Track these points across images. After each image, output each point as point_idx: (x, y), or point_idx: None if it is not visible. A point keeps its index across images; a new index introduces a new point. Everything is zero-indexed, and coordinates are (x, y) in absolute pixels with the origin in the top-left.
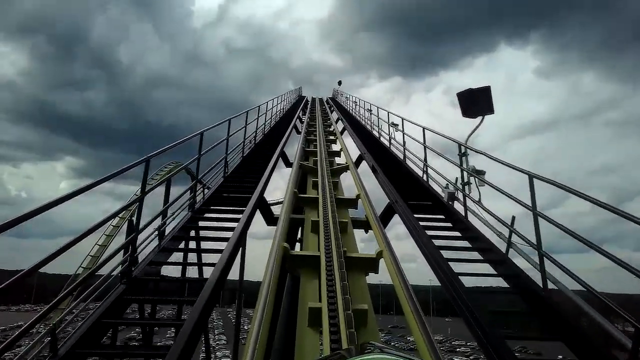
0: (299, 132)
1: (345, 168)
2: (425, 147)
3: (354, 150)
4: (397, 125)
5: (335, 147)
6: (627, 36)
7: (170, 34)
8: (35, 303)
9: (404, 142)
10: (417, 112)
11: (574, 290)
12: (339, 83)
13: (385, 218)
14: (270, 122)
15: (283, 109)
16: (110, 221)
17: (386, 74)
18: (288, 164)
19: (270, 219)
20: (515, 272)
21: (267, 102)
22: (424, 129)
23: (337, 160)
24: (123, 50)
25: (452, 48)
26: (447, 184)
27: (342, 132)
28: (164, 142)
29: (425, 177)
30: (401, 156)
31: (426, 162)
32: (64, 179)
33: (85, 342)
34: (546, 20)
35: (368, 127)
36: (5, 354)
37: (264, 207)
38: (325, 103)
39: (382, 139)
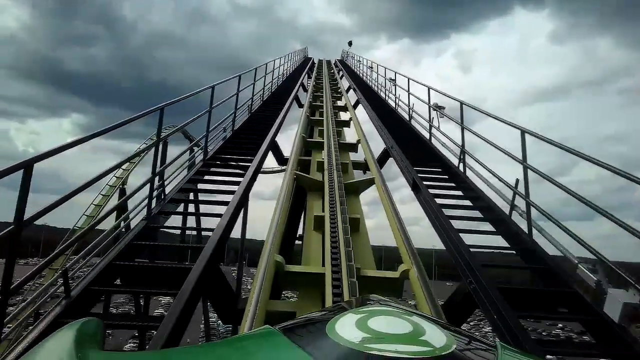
0: (301, 105)
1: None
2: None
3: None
4: (443, 108)
5: (349, 136)
6: None
7: None
8: (44, 256)
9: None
10: (428, 74)
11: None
12: (349, 44)
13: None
14: (262, 94)
15: (284, 73)
16: (108, 181)
17: (395, 35)
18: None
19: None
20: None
21: (266, 64)
22: (428, 88)
23: (352, 157)
24: (127, 6)
25: (465, 10)
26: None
27: (355, 106)
28: (167, 99)
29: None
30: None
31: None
32: (70, 135)
33: (98, 283)
34: None
35: (391, 102)
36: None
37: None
38: (333, 66)
39: (414, 124)
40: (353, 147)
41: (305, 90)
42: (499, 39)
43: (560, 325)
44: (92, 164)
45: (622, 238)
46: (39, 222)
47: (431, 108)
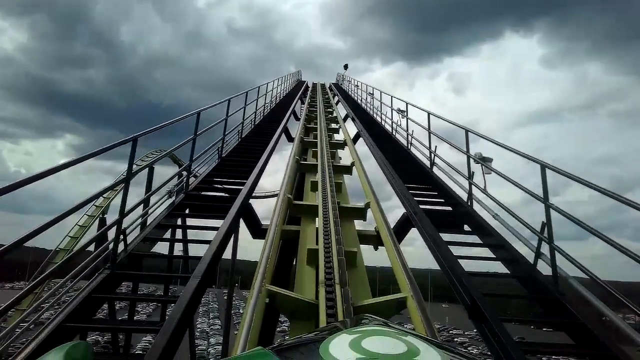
0: (290, 139)
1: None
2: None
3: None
4: (490, 160)
5: (352, 183)
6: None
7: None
8: (30, 279)
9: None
10: (420, 97)
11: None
12: (345, 67)
13: None
14: (240, 133)
15: (272, 100)
16: (94, 201)
17: (390, 59)
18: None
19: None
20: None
21: (246, 94)
22: (429, 114)
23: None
24: (125, 30)
25: (456, 35)
26: None
27: (354, 140)
28: (165, 121)
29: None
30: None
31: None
32: (63, 156)
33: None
34: (553, 10)
35: (401, 139)
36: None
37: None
38: (328, 90)
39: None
40: (360, 213)
41: (298, 118)
42: (491, 63)
43: None
44: (84, 185)
45: (616, 257)
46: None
47: (473, 160)
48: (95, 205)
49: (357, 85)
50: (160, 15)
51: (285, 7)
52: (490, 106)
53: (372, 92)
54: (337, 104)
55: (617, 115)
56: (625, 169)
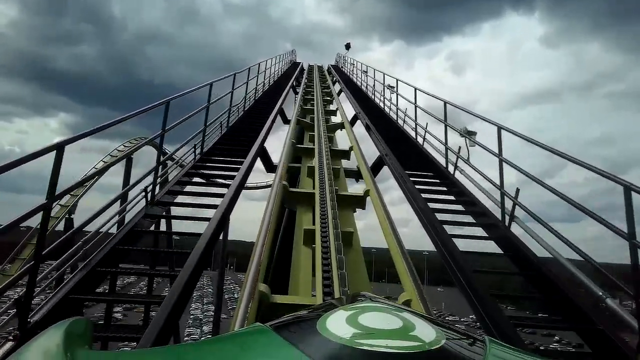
0: (271, 169)
1: None
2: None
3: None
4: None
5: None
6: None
7: None
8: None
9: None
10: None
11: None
12: (347, 47)
13: None
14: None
15: (263, 85)
16: (57, 201)
17: (388, 37)
18: None
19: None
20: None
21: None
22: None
23: None
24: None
25: (456, 13)
26: None
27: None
28: (157, 100)
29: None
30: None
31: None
32: (57, 134)
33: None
34: None
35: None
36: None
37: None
38: (326, 74)
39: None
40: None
41: (287, 121)
42: (491, 41)
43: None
44: (79, 164)
45: (607, 240)
46: None
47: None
48: (60, 205)
49: (365, 71)
50: None
51: None
52: (489, 86)
53: (392, 86)
54: (339, 93)
55: (613, 96)
56: (620, 150)
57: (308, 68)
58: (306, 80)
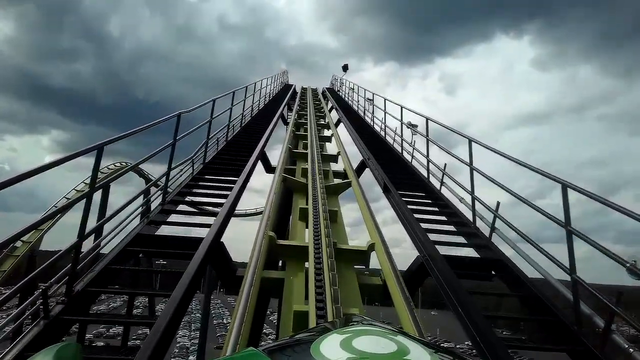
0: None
1: None
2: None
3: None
4: (416, 126)
5: None
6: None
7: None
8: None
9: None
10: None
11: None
12: (344, 68)
13: None
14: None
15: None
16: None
17: (382, 58)
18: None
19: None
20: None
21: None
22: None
23: None
24: (114, 22)
25: (448, 36)
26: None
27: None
28: (152, 118)
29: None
30: None
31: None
32: (48, 152)
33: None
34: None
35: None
36: None
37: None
38: (321, 98)
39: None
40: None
41: (271, 170)
42: (482, 64)
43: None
44: (70, 182)
45: (598, 260)
46: None
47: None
48: (22, 241)
49: (370, 100)
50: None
51: (279, 3)
52: (481, 108)
53: (416, 125)
54: (337, 125)
55: (605, 119)
56: (611, 172)
57: (301, 91)
58: (298, 106)
